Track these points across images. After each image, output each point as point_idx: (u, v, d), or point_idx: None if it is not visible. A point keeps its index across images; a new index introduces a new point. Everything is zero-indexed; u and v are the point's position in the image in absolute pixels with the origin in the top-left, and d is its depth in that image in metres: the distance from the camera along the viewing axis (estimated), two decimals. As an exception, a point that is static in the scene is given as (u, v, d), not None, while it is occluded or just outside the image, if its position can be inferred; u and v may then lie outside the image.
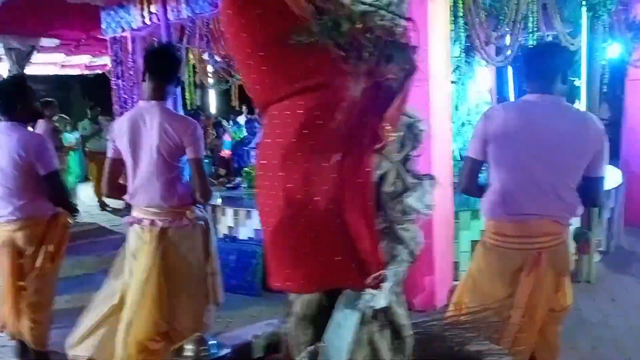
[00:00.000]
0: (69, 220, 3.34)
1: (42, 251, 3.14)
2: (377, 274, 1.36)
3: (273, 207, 1.35)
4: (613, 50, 5.49)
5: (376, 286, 1.38)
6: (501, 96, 7.89)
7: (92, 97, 11.71)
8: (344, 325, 1.41)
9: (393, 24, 1.27)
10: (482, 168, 2.23)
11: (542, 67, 2.11)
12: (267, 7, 1.23)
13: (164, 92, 2.61)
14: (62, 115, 8.91)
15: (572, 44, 4.49)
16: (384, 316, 1.50)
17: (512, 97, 8.06)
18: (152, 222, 2.58)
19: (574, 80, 4.09)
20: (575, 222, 4.63)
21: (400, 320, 1.52)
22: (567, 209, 2.09)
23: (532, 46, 2.27)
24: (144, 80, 2.64)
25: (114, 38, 5.88)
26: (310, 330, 1.48)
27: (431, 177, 1.63)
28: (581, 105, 4.20)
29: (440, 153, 3.64)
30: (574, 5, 4.19)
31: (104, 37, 6.08)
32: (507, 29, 4.06)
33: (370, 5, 1.22)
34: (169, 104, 2.81)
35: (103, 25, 5.87)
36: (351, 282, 1.39)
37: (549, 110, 2.09)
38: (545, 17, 4.48)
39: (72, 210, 3.42)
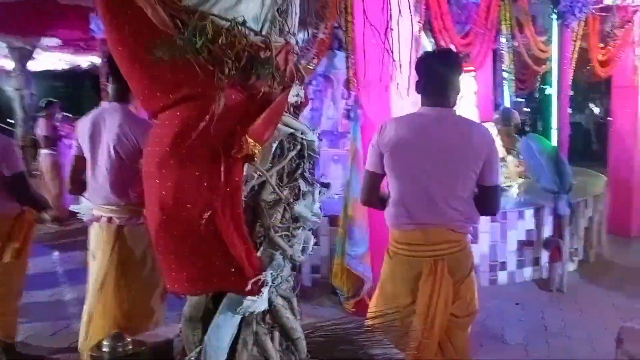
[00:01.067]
0: (35, 217, 3.44)
1: (9, 247, 3.24)
2: (255, 279, 1.42)
3: (152, 213, 1.41)
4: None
5: (257, 290, 1.45)
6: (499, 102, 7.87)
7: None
8: (224, 326, 1.46)
9: (260, 39, 1.33)
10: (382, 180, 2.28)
11: (431, 78, 2.16)
12: (137, 22, 1.29)
13: (126, 95, 2.69)
14: (66, 114, 9.09)
15: (543, 52, 4.49)
16: (272, 319, 1.57)
17: (507, 101, 8.02)
18: (110, 220, 2.67)
19: (545, 89, 4.09)
20: (547, 230, 4.66)
21: (289, 323, 1.57)
22: (461, 218, 2.14)
23: (421, 56, 2.28)
24: (107, 82, 2.73)
25: (103, 39, 6.00)
26: (199, 331, 1.53)
27: (324, 185, 1.69)
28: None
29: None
30: (546, 13, 4.20)
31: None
32: (476, 36, 4.09)
33: (231, 22, 1.27)
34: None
35: (92, 26, 5.99)
36: (232, 286, 1.44)
37: (437, 122, 2.15)
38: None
39: (40, 207, 3.52)
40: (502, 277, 4.59)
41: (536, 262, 4.70)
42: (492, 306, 4.16)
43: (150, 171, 1.40)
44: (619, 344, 1.90)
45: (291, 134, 1.50)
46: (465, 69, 5.70)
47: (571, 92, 5.05)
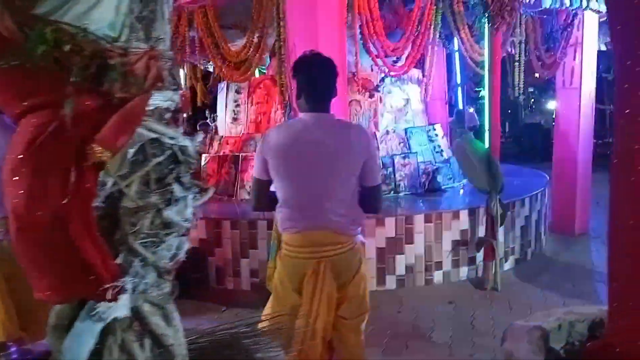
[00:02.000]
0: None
1: None
2: (110, 285, 1.41)
3: (10, 222, 1.40)
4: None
5: (114, 297, 1.45)
6: (453, 104, 8.03)
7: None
8: (83, 334, 1.45)
9: (110, 46, 1.33)
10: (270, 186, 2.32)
11: (307, 84, 2.20)
12: (-17, 29, 1.28)
13: None
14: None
15: (481, 55, 4.57)
16: (141, 326, 1.56)
17: (460, 104, 8.18)
18: None
19: (480, 91, 4.18)
20: (482, 230, 4.74)
21: (158, 329, 1.57)
22: (344, 220, 2.18)
23: (295, 63, 2.30)
24: None
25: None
26: (64, 339, 1.52)
27: (203, 190, 1.69)
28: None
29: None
30: (479, 16, 4.28)
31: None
32: (409, 41, 4.13)
33: (77, 29, 1.27)
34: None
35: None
36: (91, 294, 1.44)
37: (315, 127, 2.20)
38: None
39: None
40: (437, 276, 4.66)
41: (471, 261, 4.78)
42: (425, 306, 4.22)
43: (5, 179, 1.39)
44: (502, 342, 1.95)
45: (156, 139, 1.50)
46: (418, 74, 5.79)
47: (534, 93, 5.14)
